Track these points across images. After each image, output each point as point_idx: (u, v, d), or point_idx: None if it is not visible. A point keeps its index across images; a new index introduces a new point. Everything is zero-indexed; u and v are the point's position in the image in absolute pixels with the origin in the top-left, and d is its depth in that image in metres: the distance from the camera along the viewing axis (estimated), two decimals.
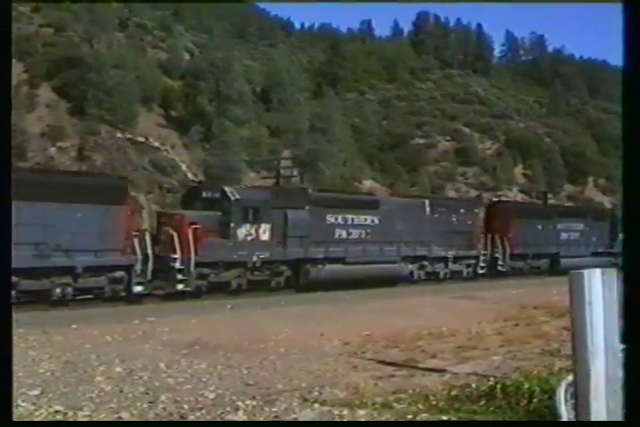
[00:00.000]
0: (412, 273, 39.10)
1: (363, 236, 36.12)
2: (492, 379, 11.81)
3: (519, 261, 45.11)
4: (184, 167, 62.71)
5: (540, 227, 47.05)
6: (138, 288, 27.81)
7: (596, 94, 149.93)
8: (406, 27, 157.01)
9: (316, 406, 11.13)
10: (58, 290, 25.83)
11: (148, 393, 12.05)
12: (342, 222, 35.34)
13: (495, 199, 58.59)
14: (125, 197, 28.67)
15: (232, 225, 30.84)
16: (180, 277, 28.78)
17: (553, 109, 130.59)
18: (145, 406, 11.20)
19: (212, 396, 12.00)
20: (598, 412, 3.53)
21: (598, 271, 3.54)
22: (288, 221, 32.52)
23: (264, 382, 13.19)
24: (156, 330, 19.11)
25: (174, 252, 28.66)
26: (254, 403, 11.41)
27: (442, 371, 14.18)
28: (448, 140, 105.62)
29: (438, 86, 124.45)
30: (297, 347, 16.99)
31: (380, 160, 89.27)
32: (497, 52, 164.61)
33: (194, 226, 29.28)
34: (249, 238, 31.39)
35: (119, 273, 27.49)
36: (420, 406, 10.58)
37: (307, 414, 10.58)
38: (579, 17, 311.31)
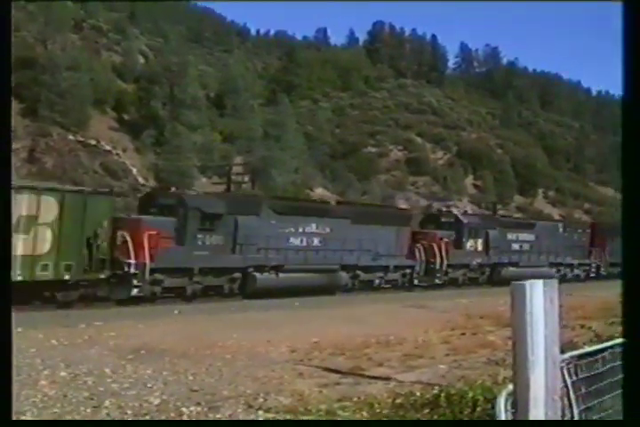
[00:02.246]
0: None
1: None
2: (436, 387, 11.87)
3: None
4: (135, 171, 62.39)
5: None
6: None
7: (548, 107, 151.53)
8: (362, 36, 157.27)
9: (261, 412, 11.14)
10: None
11: (92, 398, 11.96)
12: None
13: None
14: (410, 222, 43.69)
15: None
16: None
17: (505, 121, 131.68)
18: (88, 411, 11.12)
19: (156, 402, 11.95)
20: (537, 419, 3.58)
21: (540, 282, 3.59)
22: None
23: (209, 388, 13.16)
24: (102, 335, 18.97)
25: None
26: (199, 409, 11.39)
27: (387, 379, 14.23)
28: (400, 150, 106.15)
29: (392, 96, 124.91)
30: (244, 353, 16.96)
31: (331, 168, 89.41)
32: (451, 63, 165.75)
33: None
34: None
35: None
36: (365, 413, 10.62)
37: None
38: (535, 30, 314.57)
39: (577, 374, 4.82)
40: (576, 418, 4.72)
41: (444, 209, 58.38)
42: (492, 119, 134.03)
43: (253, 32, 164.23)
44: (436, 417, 10.04)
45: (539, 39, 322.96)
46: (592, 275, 55.75)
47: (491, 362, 16.15)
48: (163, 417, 10.80)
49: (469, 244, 45.53)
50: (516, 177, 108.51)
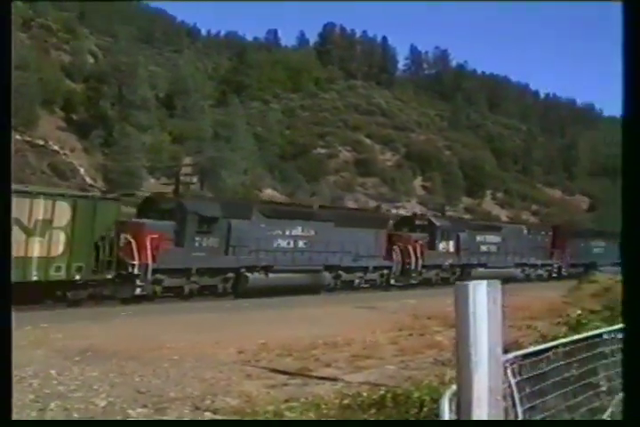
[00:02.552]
0: None
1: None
2: (383, 388, 11.91)
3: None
4: (83, 171, 61.92)
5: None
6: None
7: (496, 109, 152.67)
8: (312, 37, 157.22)
9: (208, 414, 11.10)
10: None
11: (37, 401, 11.83)
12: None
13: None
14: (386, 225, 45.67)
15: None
16: None
17: (454, 123, 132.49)
18: (34, 414, 11.01)
19: (102, 404, 11.85)
20: (480, 419, 3.61)
21: (484, 283, 3.62)
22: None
23: (156, 389, 13.08)
24: (49, 336, 18.77)
25: None
26: (145, 411, 11.32)
27: (335, 380, 14.25)
28: (349, 151, 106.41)
29: (342, 97, 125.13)
30: (192, 355, 16.88)
31: (280, 169, 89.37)
32: (401, 65, 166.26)
33: None
34: None
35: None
36: (312, 414, 10.62)
37: None
38: (484, 34, 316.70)
39: (521, 374, 4.86)
40: (520, 418, 4.77)
41: (418, 213, 61.50)
42: (441, 121, 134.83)
43: (204, 32, 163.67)
44: (382, 418, 10.06)
45: (488, 42, 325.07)
46: (554, 275, 58.91)
47: (437, 362, 16.23)
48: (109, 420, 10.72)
49: (442, 245, 47.75)
50: (465, 178, 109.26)
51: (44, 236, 27.25)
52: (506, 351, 4.80)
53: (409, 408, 10.04)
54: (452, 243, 48.81)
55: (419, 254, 45.14)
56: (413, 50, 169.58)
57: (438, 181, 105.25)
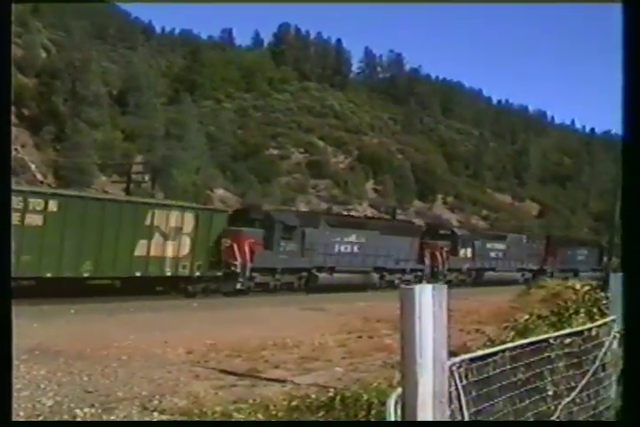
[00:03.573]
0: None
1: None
2: (332, 390, 11.93)
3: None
4: (34, 167, 61.36)
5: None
6: None
7: (449, 114, 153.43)
8: (267, 37, 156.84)
9: (156, 414, 11.07)
10: None
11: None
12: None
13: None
14: (419, 233, 54.21)
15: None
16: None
17: (407, 127, 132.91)
18: None
19: (49, 403, 11.78)
20: None
21: (429, 287, 3.64)
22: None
23: (104, 389, 13.02)
24: None
25: None
26: (92, 411, 11.26)
27: (284, 381, 14.27)
28: (301, 153, 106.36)
29: (295, 98, 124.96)
30: (140, 355, 16.82)
31: (232, 169, 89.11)
32: (355, 67, 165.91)
33: None
34: None
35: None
36: (260, 416, 10.62)
37: None
38: (439, 38, 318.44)
39: (467, 378, 4.90)
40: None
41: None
42: (394, 125, 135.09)
43: (158, 30, 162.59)
44: (331, 419, 10.08)
45: (442, 47, 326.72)
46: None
47: (386, 365, 16.27)
48: (56, 419, 10.65)
49: (462, 252, 56.47)
50: (416, 182, 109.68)
51: (176, 240, 34.68)
52: (454, 355, 4.84)
53: (357, 411, 10.08)
54: (469, 250, 57.42)
55: (444, 259, 53.75)
56: (368, 53, 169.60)
57: (390, 185, 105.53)
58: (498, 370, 5.41)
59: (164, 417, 10.85)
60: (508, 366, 5.59)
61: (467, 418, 4.78)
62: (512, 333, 10.33)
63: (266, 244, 39.64)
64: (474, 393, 4.95)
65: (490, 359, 5.34)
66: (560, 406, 6.30)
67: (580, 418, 6.72)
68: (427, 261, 52.57)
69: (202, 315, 26.59)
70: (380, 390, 10.88)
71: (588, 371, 6.92)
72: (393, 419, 3.78)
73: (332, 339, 21.25)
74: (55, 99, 68.05)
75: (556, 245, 68.92)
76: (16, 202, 27.09)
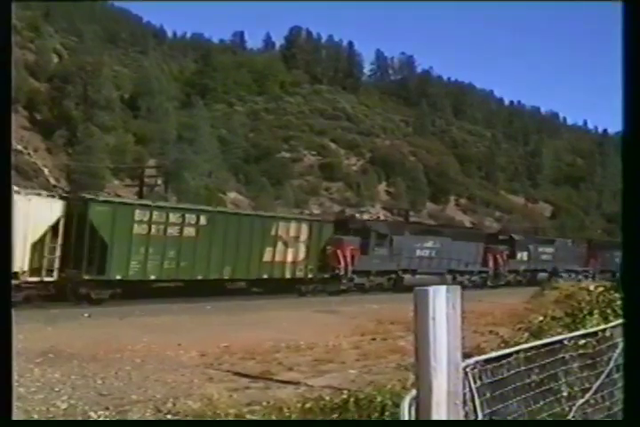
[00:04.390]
0: None
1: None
2: (346, 392, 11.91)
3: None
4: (46, 172, 61.53)
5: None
6: None
7: (461, 116, 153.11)
8: (278, 40, 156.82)
9: (169, 417, 11.08)
10: None
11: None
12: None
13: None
14: (483, 239, 59.57)
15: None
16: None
17: (419, 129, 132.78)
18: None
19: (63, 406, 11.80)
20: None
21: (443, 288, 3.64)
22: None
23: (118, 392, 13.03)
24: None
25: None
26: (107, 413, 11.28)
27: (297, 384, 14.26)
28: (314, 155, 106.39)
29: (307, 101, 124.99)
30: (154, 357, 16.84)
31: (245, 172, 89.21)
32: (367, 70, 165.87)
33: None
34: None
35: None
36: (274, 418, 10.62)
37: None
38: (450, 40, 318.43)
39: (482, 379, 4.89)
40: None
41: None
42: (406, 127, 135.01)
43: (170, 34, 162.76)
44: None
45: (454, 48, 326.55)
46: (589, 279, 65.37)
47: (400, 367, 16.24)
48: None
49: (519, 255, 61.64)
50: (429, 184, 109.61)
51: (294, 247, 40.48)
52: (468, 356, 4.83)
53: (371, 413, 10.06)
54: (525, 253, 62.64)
55: (505, 262, 59.31)
56: (379, 55, 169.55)
57: (402, 187, 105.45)
58: (512, 371, 5.40)
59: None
60: (522, 368, 5.58)
61: (481, 419, 4.78)
62: (526, 334, 10.30)
63: (362, 250, 44.93)
64: (488, 395, 4.95)
65: (504, 361, 5.33)
66: (574, 408, 6.28)
67: (595, 418, 6.71)
68: (490, 263, 58.33)
69: (215, 318, 26.58)
70: (393, 391, 10.87)
71: (602, 372, 6.90)
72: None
73: (346, 341, 21.23)
74: (67, 103, 68.29)
75: (596, 248, 72.59)
76: (176, 217, 34.09)
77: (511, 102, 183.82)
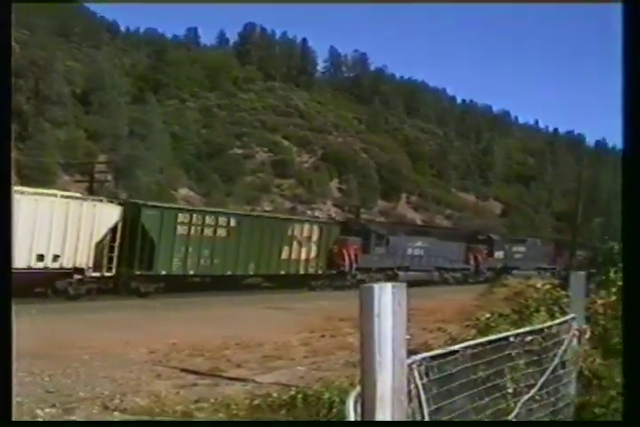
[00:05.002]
0: None
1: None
2: (294, 389, 11.92)
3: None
4: None
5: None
6: None
7: (413, 113, 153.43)
8: (232, 37, 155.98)
9: (117, 414, 11.01)
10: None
11: None
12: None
13: None
14: (464, 239, 65.28)
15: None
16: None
17: (371, 126, 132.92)
18: None
19: None
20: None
21: (389, 285, 3.65)
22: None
23: (66, 389, 12.93)
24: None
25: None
26: (54, 411, 11.18)
27: (245, 380, 14.24)
28: (266, 152, 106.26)
29: (260, 98, 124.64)
30: (102, 354, 16.72)
31: (197, 169, 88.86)
32: (320, 67, 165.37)
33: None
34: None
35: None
36: (222, 415, 10.60)
37: None
38: (403, 37, 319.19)
39: (428, 375, 4.91)
40: (426, 419, 4.81)
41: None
42: (359, 124, 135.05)
43: (123, 29, 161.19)
44: (292, 418, 10.08)
45: (407, 47, 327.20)
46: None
47: (349, 364, 16.23)
48: (13, 419, 10.55)
49: (496, 254, 67.12)
50: (380, 181, 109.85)
51: (307, 246, 45.17)
52: (415, 353, 4.86)
53: (319, 409, 10.09)
54: (502, 252, 68.21)
55: (484, 260, 64.71)
56: (333, 52, 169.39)
57: (354, 184, 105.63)
58: (458, 368, 5.43)
59: (126, 417, 10.78)
60: (469, 364, 5.61)
61: (426, 415, 4.80)
62: (473, 331, 10.36)
63: (364, 249, 49.65)
64: (434, 391, 4.97)
65: (450, 357, 5.36)
66: (519, 404, 6.33)
67: (540, 415, 6.77)
68: (471, 261, 63.79)
69: (163, 314, 26.49)
70: (341, 388, 10.88)
71: (547, 368, 6.96)
72: (352, 417, 3.78)
73: (295, 338, 21.24)
74: (18, 97, 67.56)
75: (562, 247, 74.29)
76: (210, 220, 39.27)
77: (463, 101, 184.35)
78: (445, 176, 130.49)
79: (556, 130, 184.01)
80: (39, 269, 29.95)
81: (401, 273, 52.53)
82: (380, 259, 51.20)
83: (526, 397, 6.48)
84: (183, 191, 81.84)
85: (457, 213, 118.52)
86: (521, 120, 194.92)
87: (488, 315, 10.91)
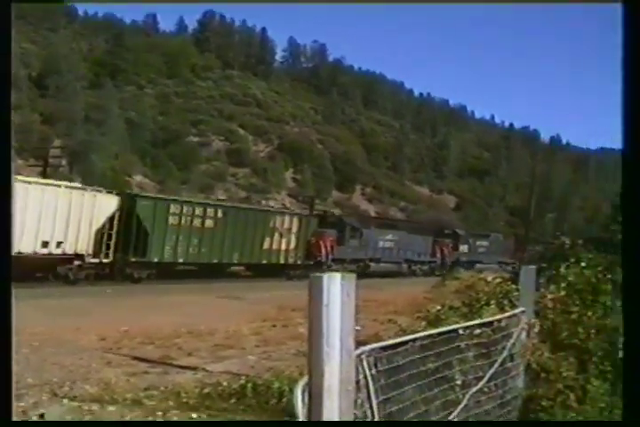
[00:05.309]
0: None
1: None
2: (244, 378, 11.95)
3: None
4: None
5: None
6: None
7: (370, 105, 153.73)
8: (191, 24, 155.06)
9: (66, 401, 10.96)
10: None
11: None
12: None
13: None
14: (432, 233, 67.84)
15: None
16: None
17: (328, 117, 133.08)
18: None
19: None
20: (331, 410, 3.65)
21: (338, 275, 3.67)
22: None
23: (14, 375, 12.82)
24: None
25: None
26: None
27: (196, 369, 14.24)
28: (222, 140, 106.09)
29: (217, 86, 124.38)
30: (52, 341, 16.61)
31: (152, 155, 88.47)
32: (279, 56, 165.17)
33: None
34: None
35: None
36: (171, 403, 10.60)
37: (55, 410, 10.38)
38: (362, 30, 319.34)
39: (377, 366, 4.94)
40: (375, 409, 4.84)
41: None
42: (316, 115, 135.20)
43: (81, 13, 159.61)
44: (242, 407, 10.12)
45: (366, 38, 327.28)
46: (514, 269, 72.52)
47: (299, 354, 16.25)
48: None
49: (461, 248, 70.30)
50: (335, 172, 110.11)
51: (287, 237, 47.13)
52: (365, 344, 4.89)
53: (269, 398, 10.13)
54: (466, 246, 71.42)
55: (450, 253, 67.53)
56: (292, 42, 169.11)
57: (309, 174, 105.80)
58: (407, 359, 5.46)
59: (75, 404, 10.73)
60: (418, 356, 5.65)
61: (375, 407, 4.83)
62: (424, 323, 10.44)
63: (339, 241, 52.02)
64: (383, 381, 5.01)
65: (400, 349, 5.40)
66: (467, 396, 6.39)
67: (488, 407, 6.84)
68: (438, 254, 66.41)
69: (118, 302, 26.38)
70: (291, 378, 10.92)
71: (496, 361, 7.03)
72: (300, 407, 3.81)
73: (247, 327, 21.23)
74: None
75: (522, 242, 76.20)
76: (199, 211, 41.22)
77: (421, 94, 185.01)
78: (400, 169, 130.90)
79: (511, 125, 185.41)
80: (43, 254, 31.80)
81: (372, 264, 55.53)
82: (353, 251, 53.79)
83: (475, 389, 6.54)
84: (138, 178, 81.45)
85: (411, 205, 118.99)
86: (477, 115, 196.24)
87: (438, 307, 11.00)
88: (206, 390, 11.35)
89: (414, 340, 5.78)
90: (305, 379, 3.87)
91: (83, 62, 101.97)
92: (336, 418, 3.67)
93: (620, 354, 8.62)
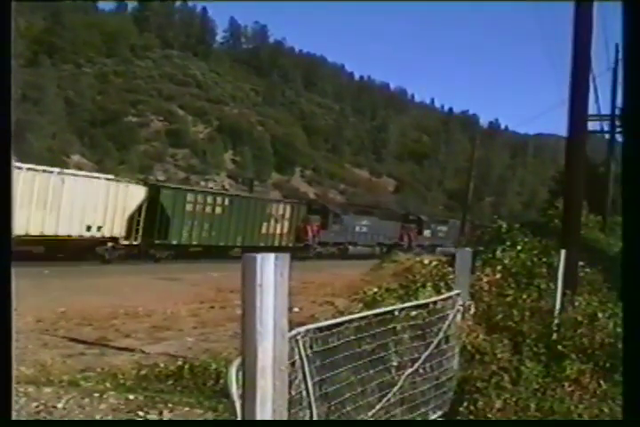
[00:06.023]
0: None
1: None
2: (181, 359, 11.94)
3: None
4: None
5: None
6: None
7: (311, 88, 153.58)
8: (131, 3, 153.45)
9: None
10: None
11: None
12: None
13: None
14: (400, 218, 74.20)
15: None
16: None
17: (268, 99, 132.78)
18: None
19: None
20: (265, 390, 3.68)
21: (272, 255, 3.69)
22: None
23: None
24: None
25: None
26: None
27: (133, 350, 14.19)
28: (161, 121, 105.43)
29: (157, 66, 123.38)
30: None
31: (90, 135, 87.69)
32: (219, 37, 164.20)
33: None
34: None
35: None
36: (108, 384, 10.55)
37: None
38: (304, 11, 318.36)
39: (312, 348, 4.97)
40: (310, 390, 4.87)
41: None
42: (256, 96, 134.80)
43: None
44: (179, 388, 10.11)
45: (307, 21, 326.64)
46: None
47: (237, 335, 16.22)
48: None
49: (425, 232, 76.61)
50: (275, 155, 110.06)
51: (281, 223, 52.42)
52: (302, 326, 4.91)
53: (206, 380, 10.14)
54: (429, 231, 77.45)
55: (415, 237, 73.19)
56: (233, 23, 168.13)
57: (249, 156, 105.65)
58: (343, 340, 5.50)
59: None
60: (353, 337, 5.68)
61: (310, 388, 4.87)
62: (360, 305, 10.50)
63: (323, 226, 57.42)
64: (318, 362, 5.04)
65: (335, 330, 5.43)
66: (403, 377, 6.45)
67: (423, 388, 6.91)
68: (405, 238, 71.47)
69: (53, 283, 26.12)
70: (228, 359, 10.90)
71: (431, 343, 7.10)
72: (234, 386, 3.82)
73: (185, 309, 21.20)
74: None
75: (476, 228, 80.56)
76: (210, 199, 46.96)
77: (361, 77, 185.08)
78: (340, 151, 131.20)
79: (450, 109, 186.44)
80: (87, 237, 37.14)
81: (351, 247, 61.92)
82: (335, 235, 59.67)
83: (410, 370, 6.61)
84: (75, 158, 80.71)
85: (350, 188, 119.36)
86: (417, 99, 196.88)
87: (375, 289, 11.07)
88: (143, 372, 11.32)
89: (350, 321, 5.81)
90: (239, 359, 3.89)
91: (20, 40, 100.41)
92: (269, 397, 3.70)
93: (555, 336, 8.80)
